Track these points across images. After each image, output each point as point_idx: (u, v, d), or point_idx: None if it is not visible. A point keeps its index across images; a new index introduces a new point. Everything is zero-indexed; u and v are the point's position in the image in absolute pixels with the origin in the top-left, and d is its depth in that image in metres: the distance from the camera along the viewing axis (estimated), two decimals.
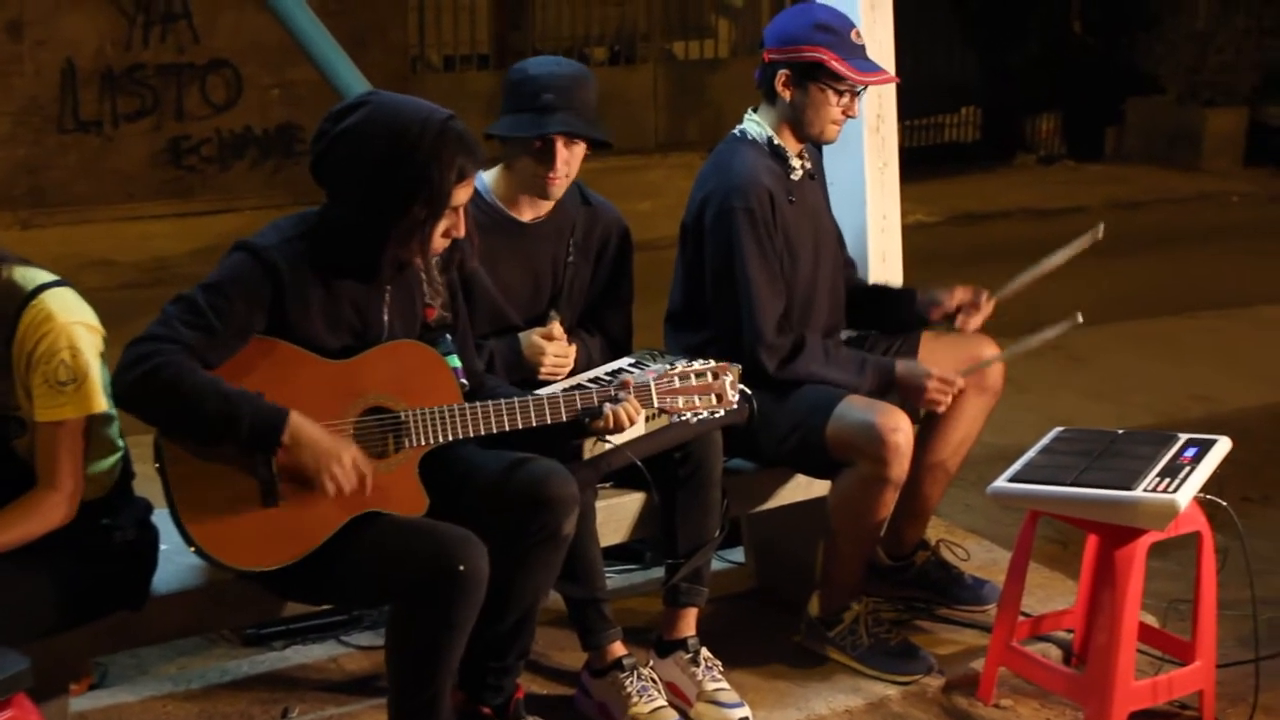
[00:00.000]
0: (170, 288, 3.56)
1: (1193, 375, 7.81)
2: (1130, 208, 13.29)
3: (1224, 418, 6.89)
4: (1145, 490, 3.85)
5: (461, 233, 3.44)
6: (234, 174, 12.74)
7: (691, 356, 3.80)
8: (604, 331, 4.24)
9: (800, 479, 4.39)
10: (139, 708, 4.03)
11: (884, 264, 4.82)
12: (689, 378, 3.65)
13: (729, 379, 3.68)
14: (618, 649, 3.97)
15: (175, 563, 3.52)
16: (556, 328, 4.03)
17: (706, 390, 3.66)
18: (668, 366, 3.74)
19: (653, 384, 3.61)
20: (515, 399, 3.50)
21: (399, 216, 3.33)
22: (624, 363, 4.09)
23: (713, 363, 3.69)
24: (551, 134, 3.88)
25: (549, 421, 3.51)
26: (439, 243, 3.43)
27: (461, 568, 3.23)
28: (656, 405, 3.62)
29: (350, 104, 3.41)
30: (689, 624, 4.09)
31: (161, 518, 3.41)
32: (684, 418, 3.67)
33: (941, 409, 4.31)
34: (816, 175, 4.46)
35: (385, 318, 3.49)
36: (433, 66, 14.34)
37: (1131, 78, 15.51)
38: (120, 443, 3.40)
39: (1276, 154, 14.86)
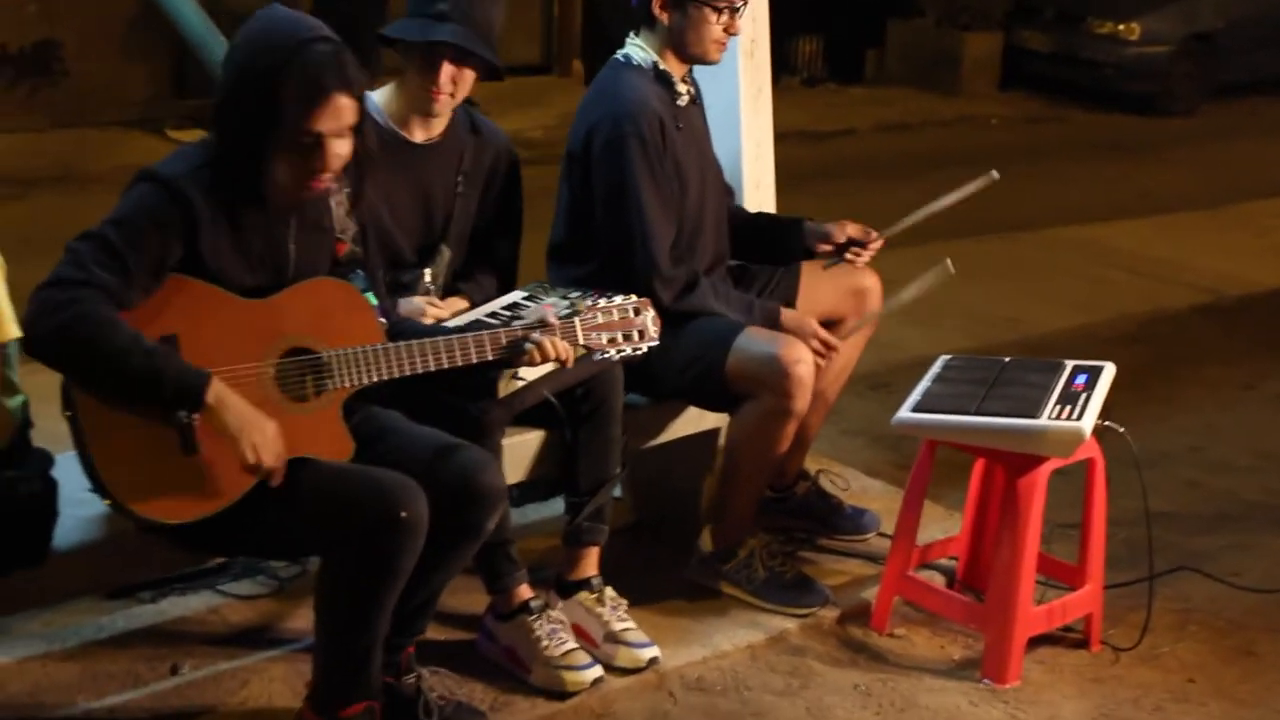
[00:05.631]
0: None
1: (996, 297, 7.89)
2: (898, 130, 13.45)
3: (1037, 340, 7.04)
4: (1049, 419, 3.89)
5: (335, 163, 3.16)
6: None
7: (578, 290, 3.72)
8: (491, 259, 4.09)
9: (692, 412, 4.32)
10: (16, 669, 3.76)
11: (758, 191, 4.74)
12: (610, 313, 3.54)
13: (650, 314, 3.59)
14: (525, 591, 3.86)
15: (74, 517, 3.28)
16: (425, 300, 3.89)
17: (628, 325, 3.56)
18: (562, 299, 3.64)
19: (578, 321, 3.48)
20: (439, 338, 3.34)
21: (259, 148, 3.11)
22: (517, 296, 3.97)
23: (634, 298, 3.59)
24: (437, 42, 3.73)
25: (474, 360, 3.36)
26: (333, 163, 3.15)
27: (404, 514, 3.09)
28: (582, 342, 3.50)
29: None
30: (592, 563, 4.01)
31: (59, 469, 3.18)
32: (608, 355, 3.56)
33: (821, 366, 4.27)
34: (699, 100, 4.36)
35: (291, 250, 3.28)
36: None
37: (891, 1, 15.70)
38: (18, 384, 3.16)
39: (1030, 77, 15.23)
